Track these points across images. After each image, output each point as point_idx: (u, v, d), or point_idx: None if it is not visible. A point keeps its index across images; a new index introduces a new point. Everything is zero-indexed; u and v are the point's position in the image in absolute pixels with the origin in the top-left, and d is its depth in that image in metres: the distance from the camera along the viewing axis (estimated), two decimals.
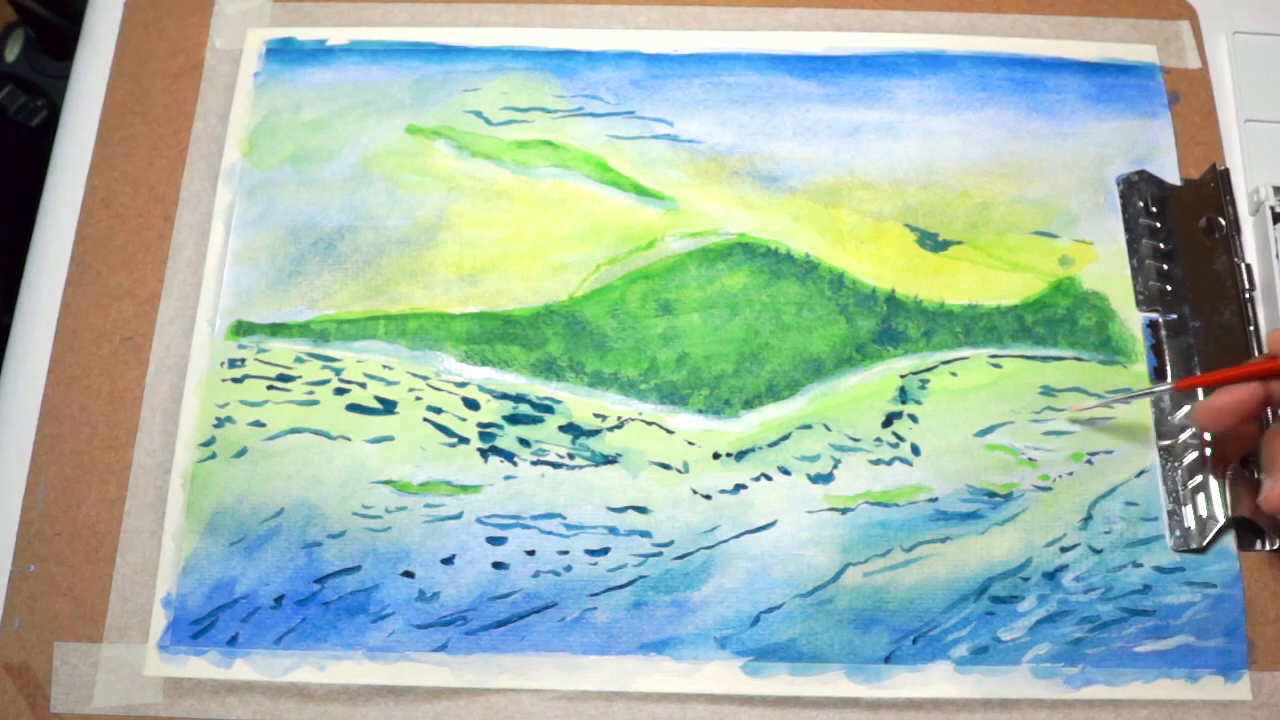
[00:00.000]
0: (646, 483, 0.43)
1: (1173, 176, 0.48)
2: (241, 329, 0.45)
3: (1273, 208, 0.46)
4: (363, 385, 0.44)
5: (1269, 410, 0.43)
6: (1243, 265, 0.46)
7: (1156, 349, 0.45)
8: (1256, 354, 0.45)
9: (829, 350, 0.45)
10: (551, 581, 0.42)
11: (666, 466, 0.43)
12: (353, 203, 0.47)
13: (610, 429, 0.44)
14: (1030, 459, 0.43)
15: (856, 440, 0.44)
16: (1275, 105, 0.49)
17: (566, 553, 0.42)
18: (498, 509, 0.43)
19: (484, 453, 0.43)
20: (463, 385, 0.44)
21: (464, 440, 0.44)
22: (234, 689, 0.40)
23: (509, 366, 0.45)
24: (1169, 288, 0.46)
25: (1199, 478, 0.43)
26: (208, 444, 0.43)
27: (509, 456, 0.43)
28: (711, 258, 0.47)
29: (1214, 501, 0.42)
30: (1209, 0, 0.51)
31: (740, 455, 0.43)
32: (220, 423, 0.44)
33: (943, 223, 0.47)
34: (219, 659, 0.41)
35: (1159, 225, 0.47)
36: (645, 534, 0.42)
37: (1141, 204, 0.47)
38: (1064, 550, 0.42)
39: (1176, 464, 0.43)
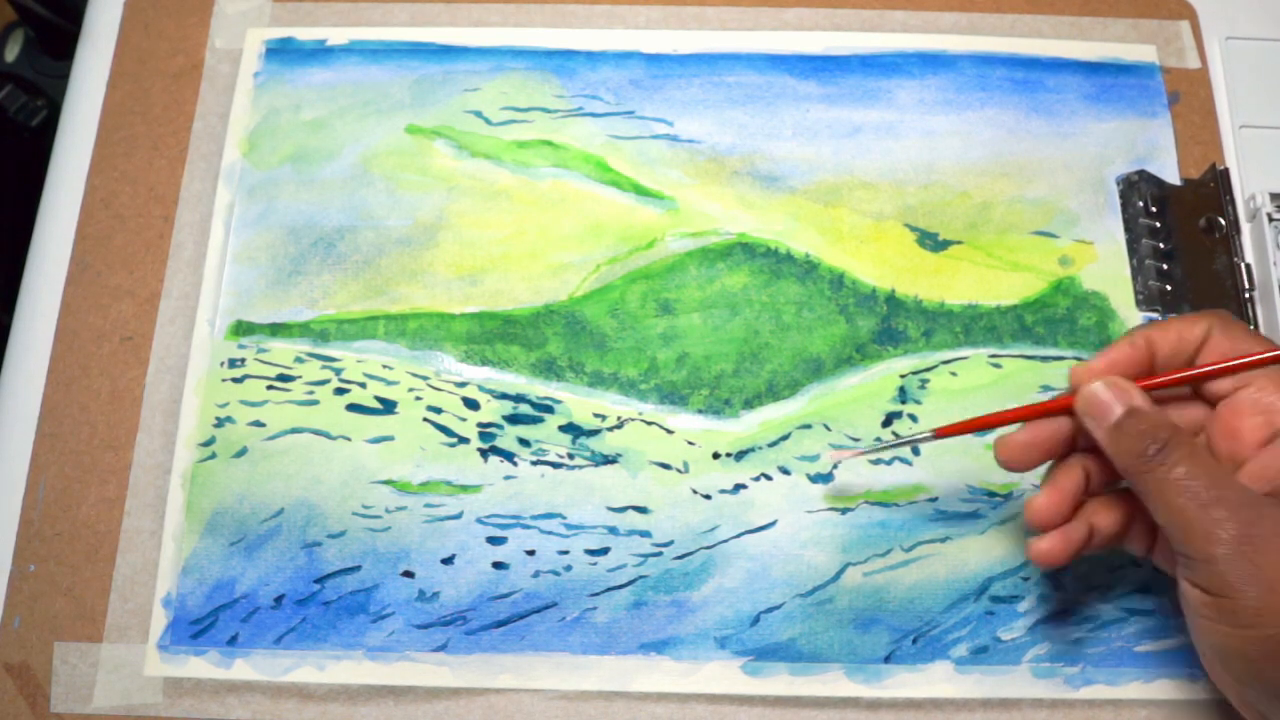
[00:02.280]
0: (646, 483, 0.43)
1: (1172, 176, 0.48)
2: (241, 329, 0.45)
3: (1269, 214, 0.46)
4: (363, 385, 0.44)
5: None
6: (1242, 265, 0.46)
7: None
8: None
9: (829, 350, 0.45)
10: (551, 581, 0.42)
11: (666, 466, 0.43)
12: (353, 203, 0.47)
13: (610, 429, 0.44)
14: None
15: (856, 440, 0.44)
16: (1270, 111, 0.49)
17: (566, 553, 0.42)
18: (498, 509, 0.43)
19: (484, 453, 0.43)
20: (463, 385, 0.44)
21: (464, 440, 0.44)
22: (234, 689, 0.40)
23: (509, 366, 0.45)
24: (1169, 288, 0.46)
25: None
26: (208, 444, 0.43)
27: (509, 456, 0.43)
28: (711, 258, 0.47)
29: None
30: (1209, 0, 0.51)
31: (740, 455, 0.43)
32: (220, 423, 0.44)
33: (943, 223, 0.47)
34: (219, 659, 0.41)
35: (1159, 225, 0.47)
36: (645, 534, 0.42)
37: (1141, 204, 0.47)
38: None
39: None
